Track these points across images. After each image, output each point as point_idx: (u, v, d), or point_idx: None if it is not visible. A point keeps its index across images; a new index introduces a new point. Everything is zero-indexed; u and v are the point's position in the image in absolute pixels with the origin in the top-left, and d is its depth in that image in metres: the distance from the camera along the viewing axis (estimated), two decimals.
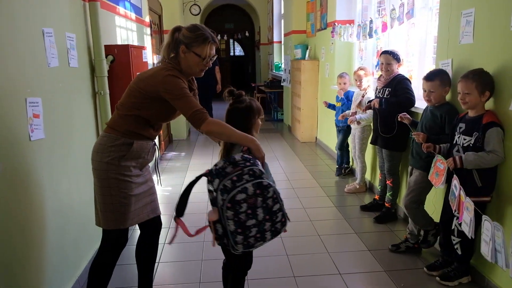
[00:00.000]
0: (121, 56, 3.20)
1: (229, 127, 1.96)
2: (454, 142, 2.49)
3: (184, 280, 2.77)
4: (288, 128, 8.06)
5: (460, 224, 2.23)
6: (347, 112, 4.36)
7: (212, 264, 2.89)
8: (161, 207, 3.94)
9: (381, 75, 3.53)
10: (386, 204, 3.57)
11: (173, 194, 4.37)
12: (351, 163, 4.91)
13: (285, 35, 8.52)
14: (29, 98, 2.05)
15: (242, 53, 17.76)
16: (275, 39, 10.67)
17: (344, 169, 4.90)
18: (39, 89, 2.18)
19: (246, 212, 1.76)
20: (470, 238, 2.17)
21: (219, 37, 13.96)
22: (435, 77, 2.73)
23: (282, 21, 9.27)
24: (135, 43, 4.46)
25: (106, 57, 3.14)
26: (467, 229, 2.09)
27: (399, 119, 3.03)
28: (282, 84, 8.43)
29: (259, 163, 1.89)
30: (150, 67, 5.12)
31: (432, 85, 2.72)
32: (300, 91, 6.69)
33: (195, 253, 3.07)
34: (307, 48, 6.96)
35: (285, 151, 6.27)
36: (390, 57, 3.38)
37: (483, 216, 1.96)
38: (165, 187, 4.63)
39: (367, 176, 4.41)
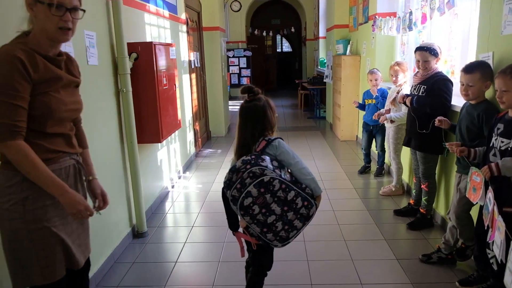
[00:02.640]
0: (145, 53, 3.20)
1: (34, 162, 1.49)
2: (491, 144, 2.22)
3: (198, 281, 2.71)
4: (329, 126, 7.83)
5: (492, 243, 1.98)
6: (381, 110, 4.11)
7: (228, 266, 2.82)
8: (192, 204, 3.98)
9: (417, 71, 3.27)
10: (421, 210, 3.31)
11: (203, 192, 4.35)
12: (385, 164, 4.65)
13: (328, 30, 8.27)
14: None
15: (289, 49, 17.60)
16: (321, 34, 10.41)
17: (366, 167, 4.86)
18: None
19: (261, 212, 1.84)
20: (500, 262, 1.92)
21: (264, 33, 13.90)
22: (475, 69, 2.46)
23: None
24: (168, 40, 4.48)
25: (130, 55, 3.16)
26: (498, 251, 1.84)
27: (436, 124, 2.77)
28: (324, 80, 8.19)
29: (266, 158, 1.89)
30: (183, 64, 5.15)
31: (471, 78, 2.45)
32: (340, 87, 6.45)
33: (214, 254, 3.01)
34: (348, 43, 6.69)
35: (323, 149, 6.07)
36: (426, 53, 3.09)
37: None
38: (197, 184, 4.63)
39: (405, 177, 4.14)
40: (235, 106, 11.60)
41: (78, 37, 2.50)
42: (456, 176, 2.68)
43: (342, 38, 7.03)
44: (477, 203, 2.19)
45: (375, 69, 4.58)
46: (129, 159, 3.20)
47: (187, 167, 5.25)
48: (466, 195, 2.31)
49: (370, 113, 4.57)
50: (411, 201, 3.55)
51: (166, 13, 4.47)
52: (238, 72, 12.62)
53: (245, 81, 12.69)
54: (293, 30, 13.96)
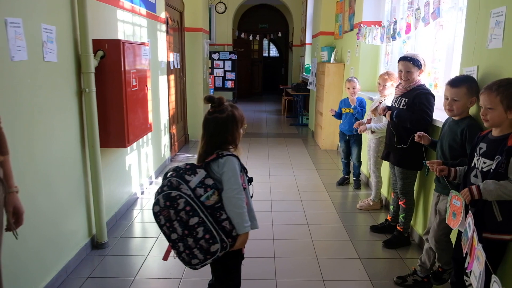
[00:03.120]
0: (112, 51, 2.98)
1: None
2: (473, 165, 2.08)
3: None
4: (311, 134, 7.69)
5: (470, 272, 1.82)
6: (362, 120, 3.98)
7: (191, 284, 2.62)
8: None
9: (399, 83, 3.13)
10: (398, 227, 3.17)
11: None
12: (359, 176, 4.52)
13: (313, 36, 8.15)
14: None
15: (277, 54, 17.48)
16: (307, 40, 10.30)
17: (345, 179, 4.73)
18: None
19: (166, 226, 1.76)
20: None
21: (251, 37, 13.75)
22: (462, 83, 2.32)
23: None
24: (144, 39, 4.27)
25: (96, 53, 2.95)
26: (476, 283, 1.68)
27: (416, 139, 2.63)
28: (308, 87, 8.06)
29: (200, 172, 1.78)
30: (160, 64, 4.94)
31: (457, 92, 2.31)
32: (323, 95, 6.31)
33: (177, 270, 2.81)
34: (333, 51, 6.57)
35: (303, 158, 5.91)
36: (409, 64, 2.96)
37: (493, 276, 1.55)
38: None
39: (384, 191, 4.01)
40: None
41: (33, 30, 2.28)
42: (434, 195, 2.53)
43: (327, 45, 6.91)
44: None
45: (353, 77, 4.48)
46: (90, 164, 2.98)
47: (160, 172, 5.03)
48: (446, 221, 2.16)
49: (347, 122, 4.45)
50: (389, 217, 3.41)
51: (143, 10, 4.26)
52: (223, 75, 12.44)
53: (229, 84, 12.50)
54: (280, 35, 13.84)
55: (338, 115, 4.63)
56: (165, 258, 1.88)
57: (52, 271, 2.55)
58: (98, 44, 2.96)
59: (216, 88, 12.43)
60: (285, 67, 15.77)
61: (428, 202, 3.02)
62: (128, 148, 3.83)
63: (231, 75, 12.41)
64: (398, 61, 3.04)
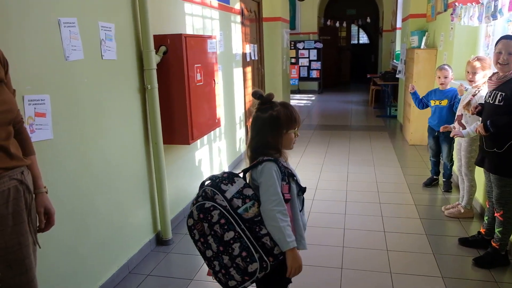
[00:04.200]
0: (174, 46, 2.91)
1: None
2: None
3: None
4: (400, 127, 7.08)
5: None
6: (451, 125, 3.44)
7: None
8: None
9: (493, 74, 2.61)
10: (493, 244, 2.67)
11: None
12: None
13: (403, 19, 7.45)
14: (28, 96, 1.86)
15: (366, 41, 16.60)
16: (398, 25, 9.53)
17: (433, 180, 4.19)
18: (48, 86, 1.99)
19: (200, 241, 1.61)
20: None
21: (338, 24, 13.19)
22: None
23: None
24: (215, 32, 4.19)
25: (158, 48, 2.90)
26: None
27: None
28: (397, 76, 7.42)
29: (238, 181, 1.58)
30: (235, 57, 4.84)
31: None
32: (412, 84, 5.71)
33: None
34: (424, 35, 5.91)
35: (387, 154, 5.43)
36: None
37: None
38: None
39: (478, 197, 3.46)
40: (302, 100, 11.14)
41: (89, 29, 2.27)
42: None
43: (418, 29, 6.25)
44: None
45: (445, 65, 3.93)
46: (154, 161, 2.96)
47: (234, 166, 4.96)
48: None
49: (436, 116, 3.93)
50: (482, 230, 2.91)
51: (215, 3, 4.17)
52: (308, 64, 12.12)
53: (314, 74, 12.15)
54: (368, 20, 13.05)
55: (419, 102, 4.17)
56: (209, 273, 1.69)
57: (114, 267, 2.57)
58: (161, 40, 2.91)
59: (300, 79, 12.17)
60: (375, 54, 14.90)
61: None
62: (198, 143, 3.80)
63: (316, 65, 12.05)
64: (498, 41, 2.52)
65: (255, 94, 1.67)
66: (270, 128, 1.63)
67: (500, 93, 2.46)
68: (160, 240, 3.08)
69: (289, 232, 1.54)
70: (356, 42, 16.66)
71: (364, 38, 16.88)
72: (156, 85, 2.85)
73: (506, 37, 2.49)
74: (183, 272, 2.74)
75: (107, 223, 2.50)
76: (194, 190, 3.74)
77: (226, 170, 4.66)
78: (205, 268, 2.57)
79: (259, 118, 1.65)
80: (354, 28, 15.96)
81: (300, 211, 1.69)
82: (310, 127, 7.42)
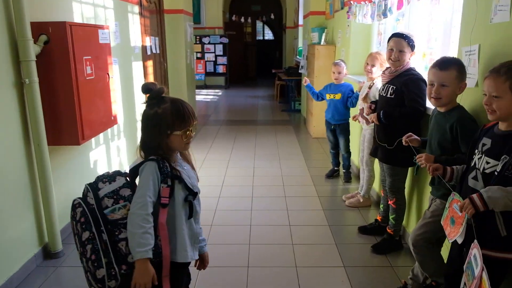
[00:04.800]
0: (57, 36, 2.59)
1: None
2: (473, 164, 1.71)
3: None
4: (303, 121, 7.30)
5: None
6: (355, 118, 3.59)
7: None
8: None
9: (386, 68, 2.75)
10: (388, 230, 2.82)
11: None
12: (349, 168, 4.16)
13: (304, 16, 7.69)
14: None
15: (271, 37, 16.96)
16: (300, 22, 9.84)
17: (334, 171, 4.37)
18: None
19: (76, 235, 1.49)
20: None
21: (243, 19, 13.24)
22: (451, 65, 1.96)
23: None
24: (110, 23, 3.86)
25: (38, 37, 2.56)
26: None
27: (404, 144, 2.24)
28: (299, 71, 7.64)
29: (119, 180, 1.50)
30: (134, 50, 4.55)
31: (446, 76, 1.95)
32: (313, 79, 5.91)
33: None
34: (324, 32, 6.14)
35: (292, 147, 5.55)
36: (403, 42, 2.57)
37: None
38: None
39: (375, 187, 3.65)
40: (208, 95, 11.01)
41: None
42: (429, 198, 2.18)
43: (318, 26, 6.47)
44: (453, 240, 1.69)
45: (340, 60, 4.09)
46: (37, 164, 2.61)
47: None
48: (441, 222, 1.80)
49: (331, 110, 4.09)
50: (378, 217, 3.06)
51: None
52: (214, 59, 12.00)
53: (221, 69, 12.08)
54: (272, 16, 13.31)
55: (315, 94, 4.35)
56: None
57: None
58: (40, 28, 2.56)
59: (207, 74, 12.02)
60: (280, 50, 15.29)
61: (422, 200, 2.67)
62: (93, 142, 3.48)
63: (222, 60, 11.98)
64: (390, 38, 2.65)
65: (143, 88, 1.53)
66: (153, 126, 1.49)
67: (391, 86, 2.58)
68: (48, 253, 2.74)
69: (143, 240, 1.39)
70: (261, 38, 16.95)
71: (269, 35, 17.24)
72: (36, 78, 2.50)
73: (396, 35, 2.62)
74: (76, 286, 2.46)
75: None
76: None
77: (127, 170, 4.36)
78: None
79: (144, 114, 1.52)
80: (259, 24, 16.20)
81: (190, 219, 1.55)
82: (216, 123, 7.33)
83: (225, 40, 11.83)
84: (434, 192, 2.11)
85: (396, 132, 2.45)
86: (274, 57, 15.75)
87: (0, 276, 2.32)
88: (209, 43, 11.84)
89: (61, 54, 2.62)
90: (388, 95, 2.59)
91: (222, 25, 12.30)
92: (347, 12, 4.68)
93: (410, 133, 2.22)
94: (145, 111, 1.52)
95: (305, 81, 4.38)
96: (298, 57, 9.60)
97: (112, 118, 3.34)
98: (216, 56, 11.94)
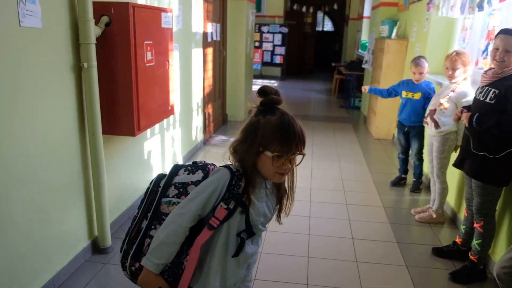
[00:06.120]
0: (119, 17, 2.42)
1: None
2: None
3: None
4: (363, 119, 6.87)
5: None
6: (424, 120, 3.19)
7: None
8: None
9: (489, 68, 2.34)
10: (471, 257, 2.44)
11: None
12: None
13: (373, 8, 7.20)
14: None
15: (331, 29, 16.38)
16: (365, 14, 9.31)
17: (401, 179, 3.96)
18: None
19: None
20: None
21: (304, 9, 12.84)
22: None
23: None
24: (173, 6, 3.69)
25: (100, 18, 2.41)
26: None
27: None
28: (363, 66, 7.19)
29: (198, 174, 1.34)
30: (195, 36, 4.37)
31: None
32: (380, 76, 5.48)
33: None
34: (395, 25, 5.67)
35: (352, 148, 5.18)
36: None
37: None
38: None
39: (450, 200, 3.25)
40: None
41: None
42: None
43: (389, 18, 6.00)
44: None
45: (422, 58, 3.61)
46: (91, 154, 2.49)
47: (189, 157, 4.53)
48: None
49: (407, 110, 3.67)
50: (458, 240, 2.68)
51: None
52: (271, 49, 11.71)
53: (278, 59, 11.78)
54: (335, 7, 12.78)
55: (383, 91, 4.00)
56: None
57: (34, 285, 2.11)
58: (103, 8, 2.40)
59: (263, 64, 11.76)
60: (340, 43, 14.71)
61: None
62: (148, 132, 3.33)
63: (280, 50, 11.67)
64: (497, 35, 2.23)
65: (261, 91, 1.27)
66: (248, 134, 1.24)
67: (493, 90, 2.18)
68: (97, 248, 2.63)
69: (159, 250, 1.22)
70: (321, 29, 16.41)
71: (328, 26, 16.66)
72: (94, 63, 2.35)
73: (505, 32, 2.20)
74: (124, 286, 2.31)
75: (24, 231, 2.02)
76: (140, 186, 3.28)
77: (180, 162, 4.22)
78: None
79: (249, 118, 1.28)
80: (319, 14, 15.67)
81: (233, 256, 1.26)
82: None
83: (285, 29, 11.49)
84: None
85: (493, 140, 2.08)
86: (333, 49, 15.18)
87: (48, 270, 2.21)
88: (268, 32, 11.55)
89: (122, 38, 2.45)
90: (488, 100, 2.20)
91: (283, 14, 11.95)
92: (428, 4, 4.23)
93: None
94: (250, 116, 1.28)
95: (364, 89, 4.12)
96: (360, 50, 9.10)
97: (169, 108, 3.17)
98: (274, 45, 11.64)
